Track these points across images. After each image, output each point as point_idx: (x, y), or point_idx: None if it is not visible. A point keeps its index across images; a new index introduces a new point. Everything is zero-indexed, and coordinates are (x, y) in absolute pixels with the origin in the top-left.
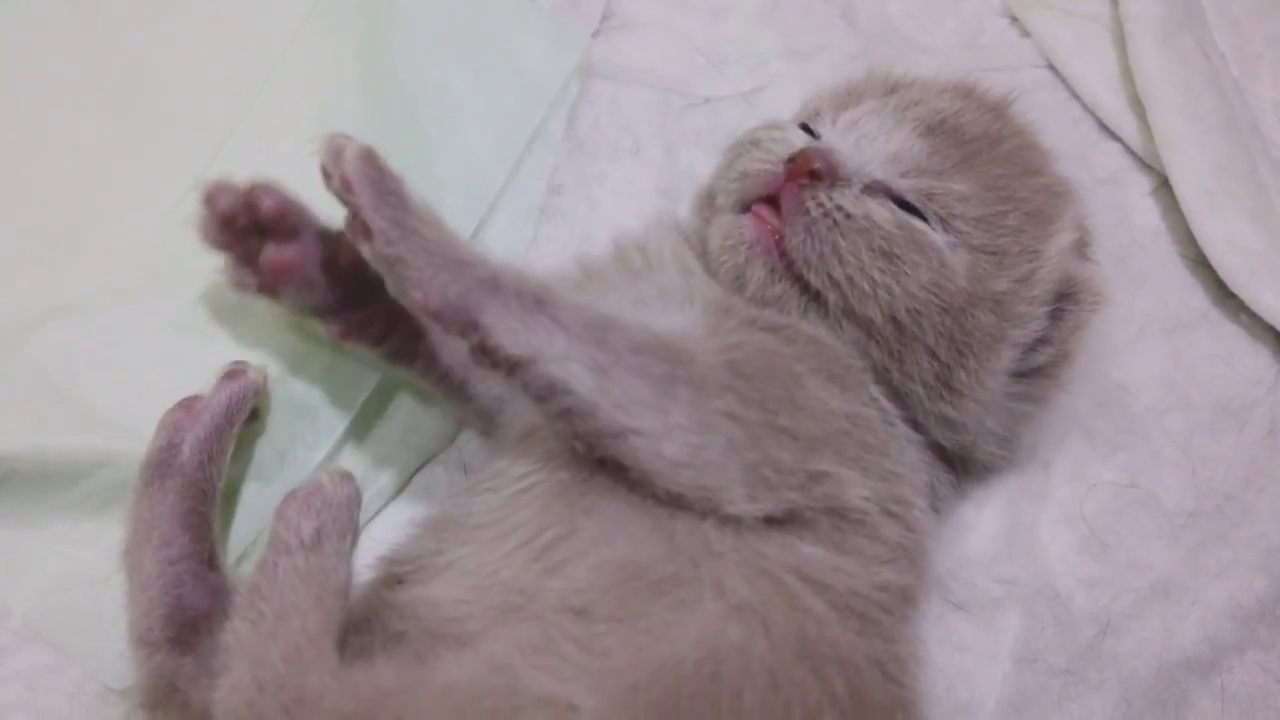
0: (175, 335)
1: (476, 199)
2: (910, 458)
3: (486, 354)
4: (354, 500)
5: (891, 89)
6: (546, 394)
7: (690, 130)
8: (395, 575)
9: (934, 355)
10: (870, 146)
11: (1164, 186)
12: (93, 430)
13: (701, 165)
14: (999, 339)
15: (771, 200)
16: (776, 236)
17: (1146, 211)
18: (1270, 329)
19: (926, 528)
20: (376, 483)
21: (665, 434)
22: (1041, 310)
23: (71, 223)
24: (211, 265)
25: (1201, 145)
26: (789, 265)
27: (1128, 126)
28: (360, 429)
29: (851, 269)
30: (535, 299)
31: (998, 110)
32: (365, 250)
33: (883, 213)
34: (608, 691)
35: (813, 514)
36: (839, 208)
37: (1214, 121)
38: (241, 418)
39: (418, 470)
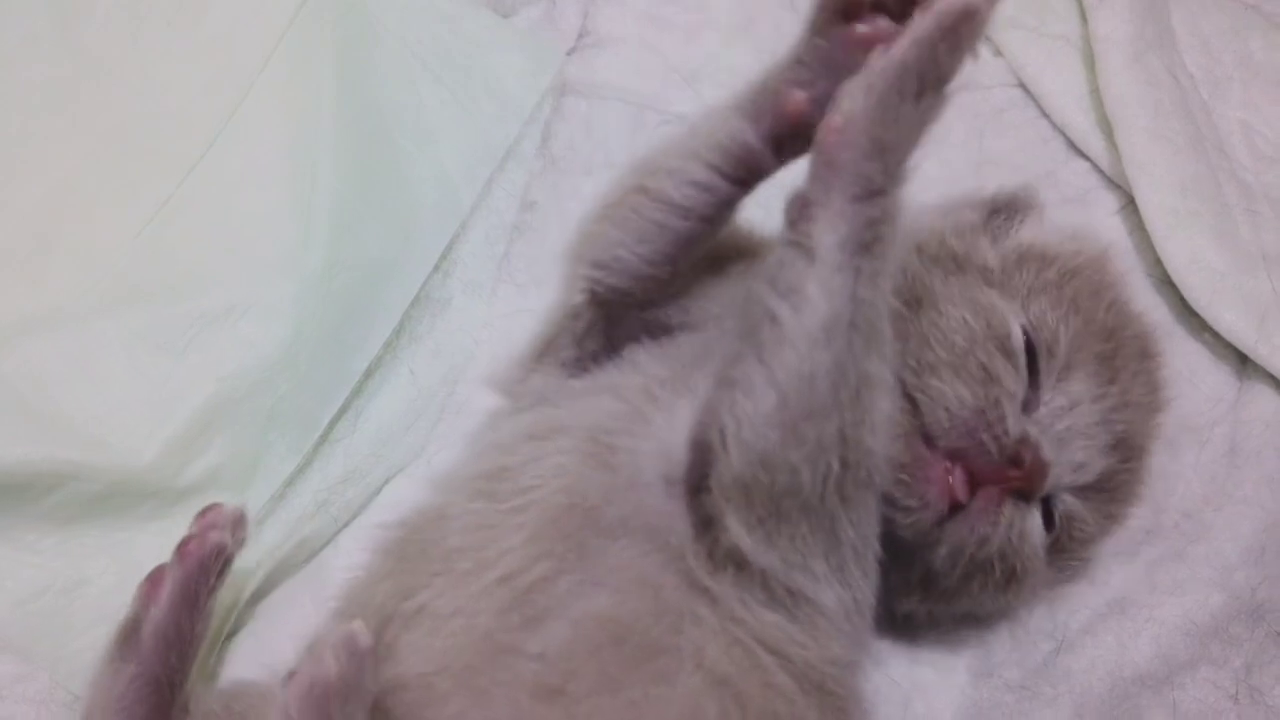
0: (147, 350)
1: (449, 215)
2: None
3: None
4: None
5: (1112, 354)
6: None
7: None
8: None
9: (931, 584)
10: (1067, 450)
11: (1130, 205)
12: (63, 443)
13: None
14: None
15: (965, 459)
16: (950, 501)
17: (1113, 230)
18: (1232, 348)
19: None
20: (344, 496)
21: (781, 423)
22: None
23: (45, 235)
24: (185, 279)
25: (1167, 165)
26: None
27: (1096, 145)
28: (331, 441)
29: (977, 573)
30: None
31: (1159, 411)
32: None
33: (1038, 534)
34: None
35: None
36: (1020, 532)
37: (1180, 142)
38: (209, 587)
39: (385, 483)
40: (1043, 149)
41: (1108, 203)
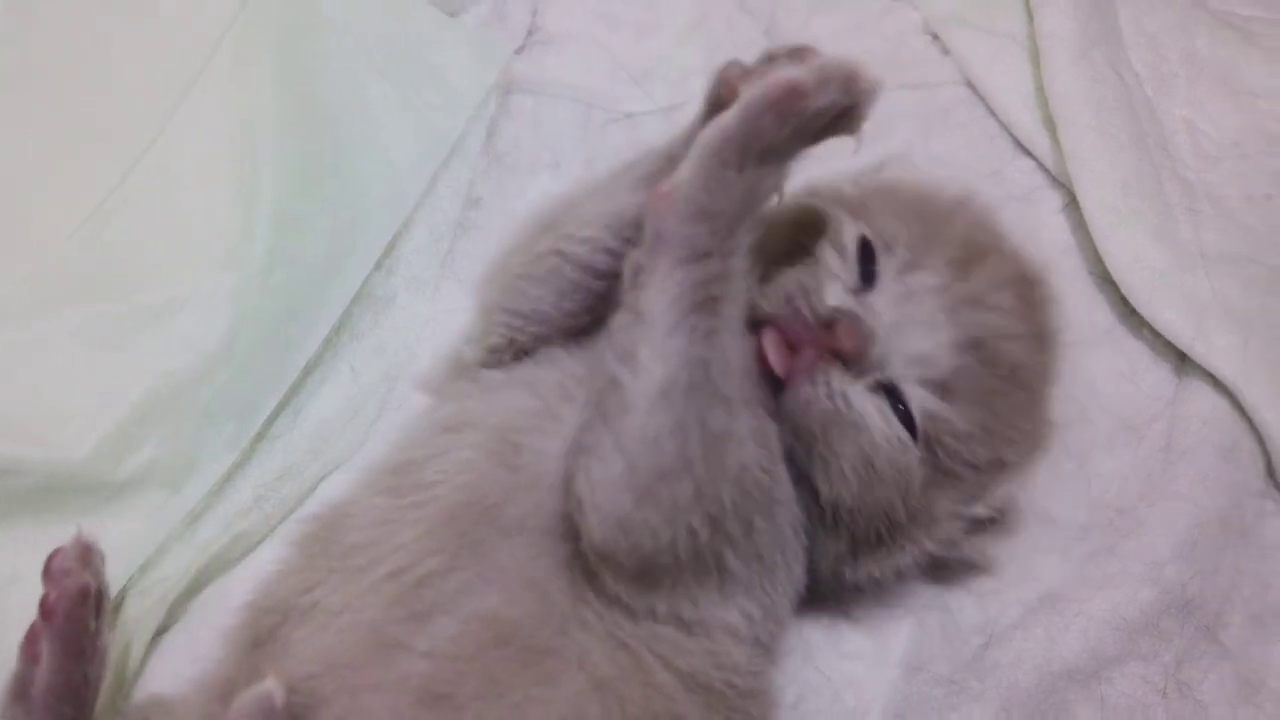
0: (85, 344)
1: (393, 212)
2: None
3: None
4: None
5: (966, 260)
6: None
7: (611, 145)
8: (263, 630)
9: (852, 537)
10: (906, 337)
11: (1074, 204)
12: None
13: None
14: (916, 542)
15: (780, 325)
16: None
17: (1057, 228)
18: (1171, 346)
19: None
20: (280, 492)
21: (631, 486)
22: (960, 528)
23: None
24: (125, 273)
25: (1109, 163)
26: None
27: (1041, 143)
28: (270, 438)
29: (824, 451)
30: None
31: (1042, 340)
32: None
33: (878, 421)
34: None
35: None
36: (843, 396)
37: (1123, 139)
38: (93, 631)
39: (322, 480)
40: (989, 147)
41: (1052, 201)
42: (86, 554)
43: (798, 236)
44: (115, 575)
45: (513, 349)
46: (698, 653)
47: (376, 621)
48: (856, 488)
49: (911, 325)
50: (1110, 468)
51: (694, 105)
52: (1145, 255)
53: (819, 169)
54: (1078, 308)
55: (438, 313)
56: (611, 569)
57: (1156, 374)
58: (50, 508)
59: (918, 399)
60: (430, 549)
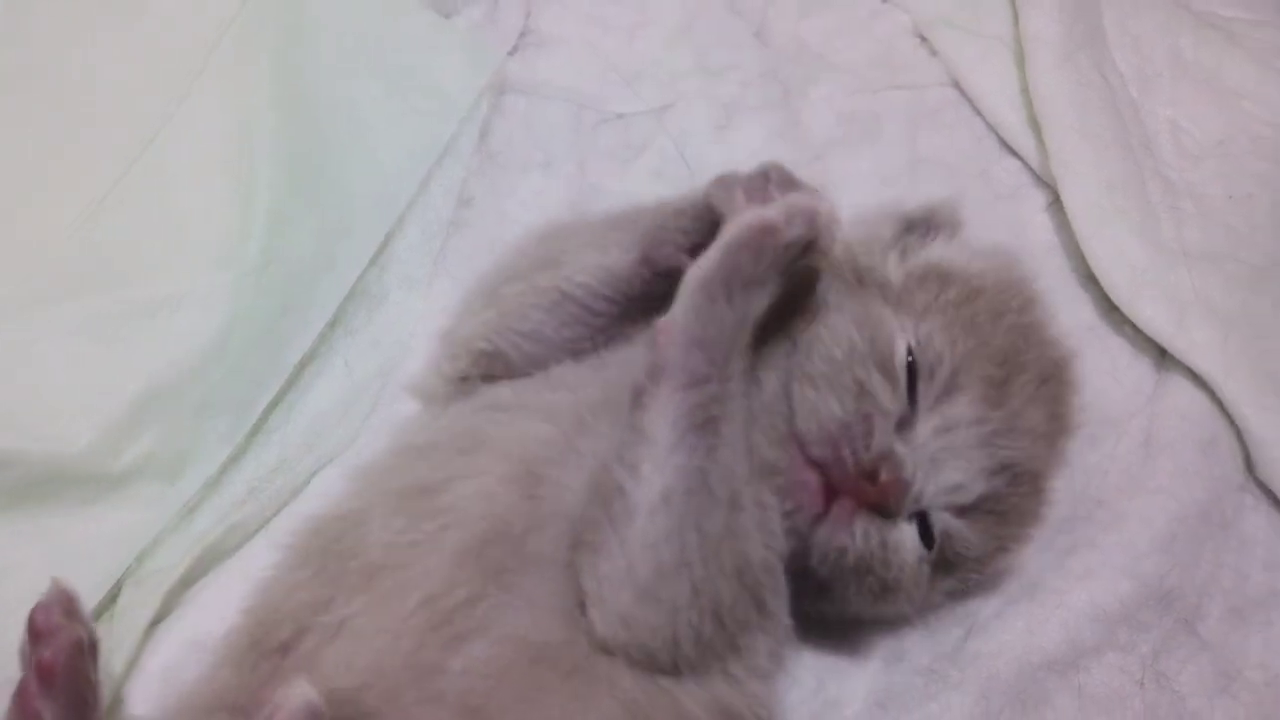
0: (83, 339)
1: (385, 211)
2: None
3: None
4: None
5: (1004, 380)
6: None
7: (602, 145)
8: (274, 641)
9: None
10: (942, 471)
11: (1058, 203)
12: None
13: (612, 179)
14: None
15: (825, 469)
16: (813, 508)
17: (1041, 227)
18: (1152, 342)
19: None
20: (274, 484)
21: (633, 584)
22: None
23: None
24: (122, 270)
25: (1093, 163)
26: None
27: (1026, 143)
28: (266, 431)
29: (848, 579)
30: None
31: (1059, 439)
32: None
33: (908, 550)
34: None
35: None
36: (882, 544)
37: (1107, 139)
38: (89, 676)
39: (316, 473)
40: (976, 147)
41: (1037, 200)
42: (69, 604)
43: (843, 339)
44: (112, 566)
45: (499, 363)
46: (717, 684)
47: (413, 646)
48: (871, 602)
49: (947, 458)
50: (1092, 461)
51: (682, 105)
52: (1127, 253)
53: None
54: (1061, 305)
55: (431, 309)
56: (621, 649)
57: (1138, 370)
58: (49, 499)
59: (941, 521)
60: (460, 579)
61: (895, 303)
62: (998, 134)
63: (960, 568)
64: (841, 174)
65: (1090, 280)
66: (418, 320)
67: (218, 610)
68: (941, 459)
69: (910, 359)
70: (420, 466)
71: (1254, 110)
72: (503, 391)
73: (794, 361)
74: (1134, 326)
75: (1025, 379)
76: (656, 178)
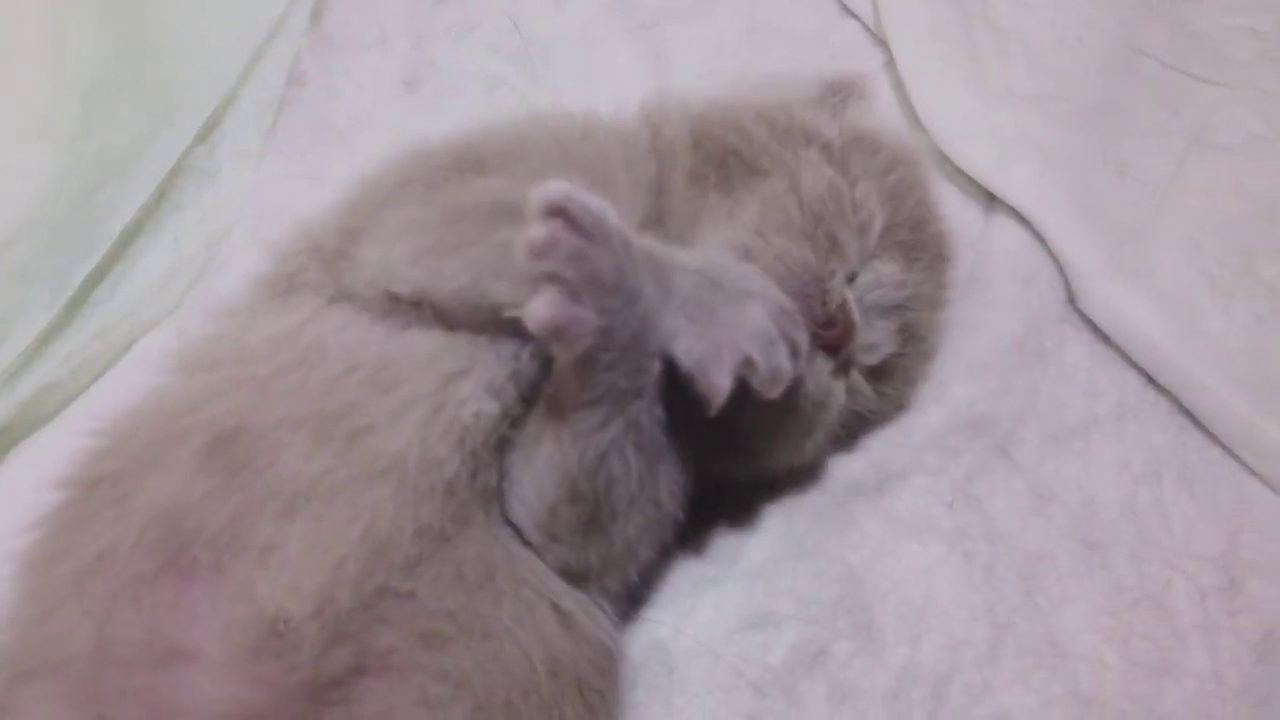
0: None
1: (212, 88)
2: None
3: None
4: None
5: (913, 245)
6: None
7: (440, 24)
8: (182, 559)
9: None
10: (868, 327)
11: (894, 61)
12: None
13: (447, 55)
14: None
15: None
16: None
17: (879, 85)
18: (983, 189)
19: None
20: (91, 349)
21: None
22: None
23: None
24: None
25: (921, 15)
26: None
27: (863, 4)
28: (91, 304)
29: (773, 418)
30: None
31: (945, 308)
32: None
33: (839, 394)
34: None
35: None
36: (826, 390)
37: None
38: None
39: (138, 339)
40: (814, 13)
41: (874, 59)
42: None
43: (812, 195)
44: None
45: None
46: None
47: (360, 571)
48: (789, 445)
49: (874, 317)
50: None
51: None
52: (952, 99)
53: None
54: None
55: (263, 183)
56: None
57: (966, 214)
58: None
59: (855, 379)
60: (404, 515)
61: (837, 164)
62: None
63: (852, 423)
64: (678, 42)
65: (920, 130)
66: (249, 195)
67: (38, 474)
68: (869, 317)
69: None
70: (338, 394)
71: None
72: (419, 335)
73: (741, 220)
74: (964, 175)
75: (928, 249)
76: (492, 52)
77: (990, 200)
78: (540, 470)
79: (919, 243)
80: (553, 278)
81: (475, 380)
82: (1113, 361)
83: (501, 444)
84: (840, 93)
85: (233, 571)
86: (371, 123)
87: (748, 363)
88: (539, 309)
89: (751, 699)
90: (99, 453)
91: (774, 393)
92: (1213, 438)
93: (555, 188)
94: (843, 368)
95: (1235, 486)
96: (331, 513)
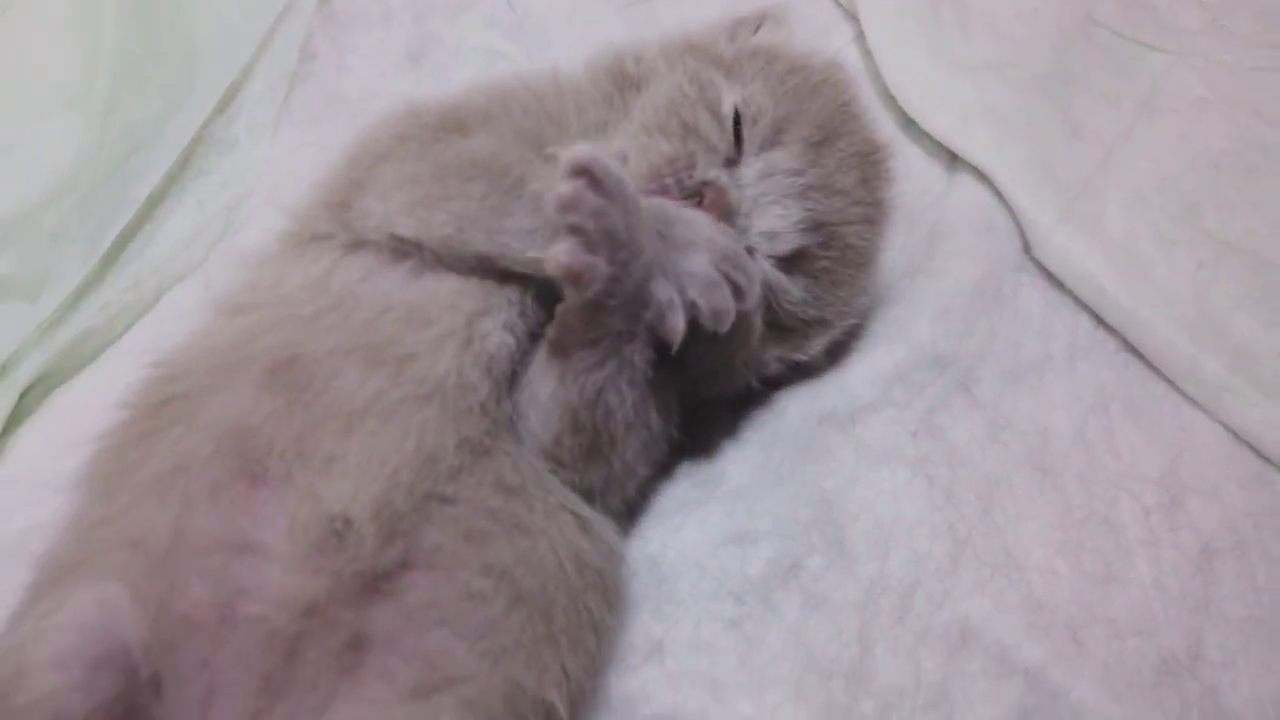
0: None
1: (228, 64)
2: None
3: None
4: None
5: (821, 142)
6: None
7: (440, 1)
8: (254, 468)
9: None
10: (763, 214)
11: (863, 35)
12: None
13: (449, 31)
14: (744, 379)
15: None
16: None
17: (850, 57)
18: (946, 150)
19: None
20: (124, 300)
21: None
22: (782, 368)
23: None
24: None
25: None
26: None
27: None
28: (122, 262)
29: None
30: None
31: (875, 221)
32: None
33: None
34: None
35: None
36: None
37: None
38: None
39: (166, 291)
40: None
41: (845, 33)
42: None
43: (674, 90)
44: None
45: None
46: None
47: (412, 479)
48: (714, 353)
49: (768, 203)
50: (886, 257)
51: None
52: (917, 69)
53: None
54: None
55: (277, 153)
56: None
57: (930, 174)
58: None
59: (764, 270)
60: (447, 433)
61: (726, 69)
62: None
63: (789, 330)
64: (667, 19)
65: (888, 97)
66: (264, 162)
67: (76, 417)
68: (763, 203)
69: (736, 111)
70: (379, 329)
71: None
72: (451, 279)
73: (621, 131)
74: (930, 139)
75: (841, 146)
76: (490, 27)
77: (953, 160)
78: (545, 404)
79: (828, 141)
80: (574, 229)
81: (494, 319)
82: (1065, 305)
83: (513, 376)
84: (750, 23)
85: (299, 479)
86: (378, 95)
87: (693, 305)
88: (561, 255)
89: (733, 606)
90: (162, 379)
91: (722, 328)
92: (1156, 372)
93: (582, 151)
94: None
95: (1176, 416)
96: (386, 429)
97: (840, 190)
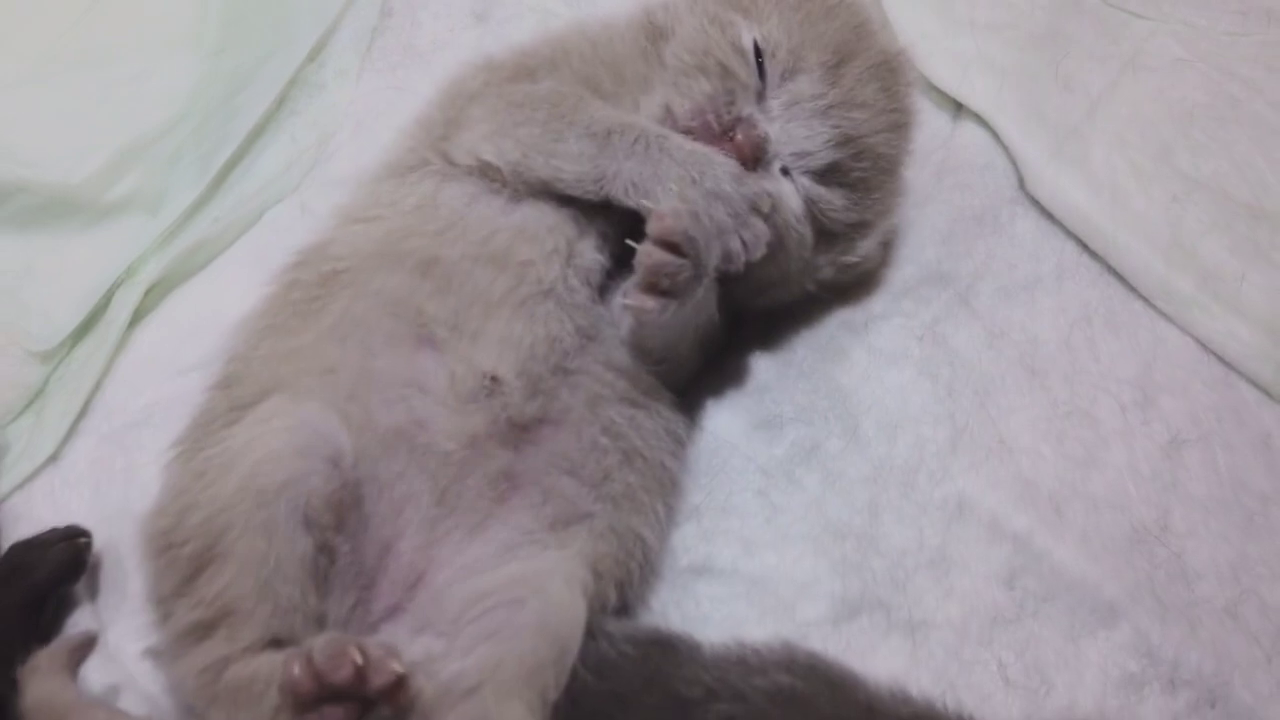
0: (82, 102)
1: (322, 18)
2: None
3: None
4: None
5: (838, 64)
6: None
7: None
8: (436, 330)
9: (755, 288)
10: (793, 136)
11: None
12: (17, 162)
13: None
14: (802, 286)
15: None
16: None
17: None
18: (952, 100)
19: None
20: (231, 215)
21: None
22: (835, 271)
23: None
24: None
25: None
26: None
27: None
28: (227, 185)
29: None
30: None
31: (900, 127)
32: None
33: (794, 201)
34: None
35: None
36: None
37: None
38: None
39: (266, 210)
40: None
41: None
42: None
43: (698, 33)
44: (107, 275)
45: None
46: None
47: (545, 350)
48: (770, 263)
49: (797, 127)
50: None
51: None
52: (925, 27)
53: None
54: None
55: (360, 95)
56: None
57: (938, 120)
58: (57, 221)
59: (803, 186)
60: (567, 321)
61: (742, 9)
62: None
63: (836, 236)
64: None
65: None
66: (349, 104)
67: (189, 314)
68: (791, 128)
69: (756, 46)
70: (497, 243)
71: None
72: (544, 206)
73: (658, 82)
74: (938, 91)
75: (857, 64)
76: None
77: (957, 108)
78: (623, 335)
79: (844, 61)
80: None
81: (588, 242)
82: (1054, 233)
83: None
84: None
85: (454, 345)
86: (447, 47)
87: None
88: (669, 214)
89: (761, 479)
90: (320, 259)
91: (734, 269)
92: (1133, 290)
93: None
94: (784, 174)
95: (1151, 328)
96: (518, 315)
97: (862, 103)
